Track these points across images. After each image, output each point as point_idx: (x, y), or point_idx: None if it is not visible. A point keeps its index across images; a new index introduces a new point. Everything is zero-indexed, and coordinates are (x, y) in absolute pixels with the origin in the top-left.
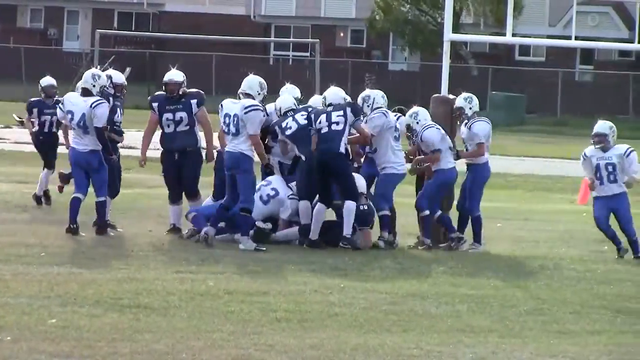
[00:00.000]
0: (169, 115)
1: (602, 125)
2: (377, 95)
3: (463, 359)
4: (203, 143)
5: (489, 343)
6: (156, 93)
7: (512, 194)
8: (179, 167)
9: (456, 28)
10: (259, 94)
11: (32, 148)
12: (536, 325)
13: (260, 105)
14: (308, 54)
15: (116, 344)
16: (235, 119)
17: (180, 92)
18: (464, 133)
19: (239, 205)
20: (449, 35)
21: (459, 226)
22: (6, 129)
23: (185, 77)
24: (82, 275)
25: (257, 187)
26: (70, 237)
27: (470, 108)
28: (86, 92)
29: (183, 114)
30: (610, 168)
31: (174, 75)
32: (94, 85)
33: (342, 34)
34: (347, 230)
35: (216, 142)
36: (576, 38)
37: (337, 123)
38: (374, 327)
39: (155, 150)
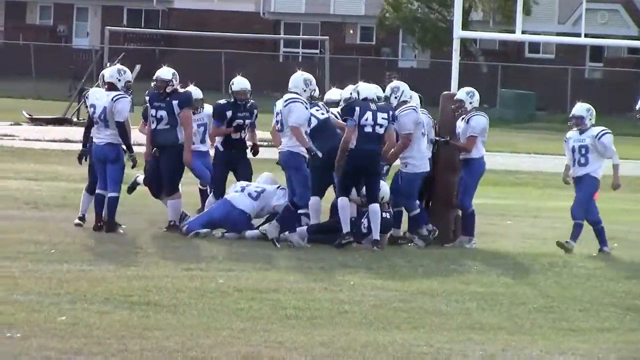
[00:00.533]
0: (153, 112)
1: (579, 108)
2: (406, 88)
3: (472, 356)
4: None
5: (499, 340)
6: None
7: (522, 191)
8: (159, 163)
9: (466, 25)
10: (304, 90)
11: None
12: (546, 322)
13: (301, 98)
14: (317, 51)
15: (126, 341)
16: (280, 115)
17: (168, 90)
18: (461, 127)
19: (294, 201)
20: (458, 32)
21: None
22: (16, 126)
23: (175, 75)
24: (91, 272)
25: (242, 184)
26: (79, 234)
27: (471, 103)
28: (111, 87)
29: (164, 113)
30: (583, 150)
31: (163, 72)
32: (119, 80)
33: (351, 31)
34: (376, 235)
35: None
36: (585, 35)
37: (381, 126)
38: (384, 325)
39: None
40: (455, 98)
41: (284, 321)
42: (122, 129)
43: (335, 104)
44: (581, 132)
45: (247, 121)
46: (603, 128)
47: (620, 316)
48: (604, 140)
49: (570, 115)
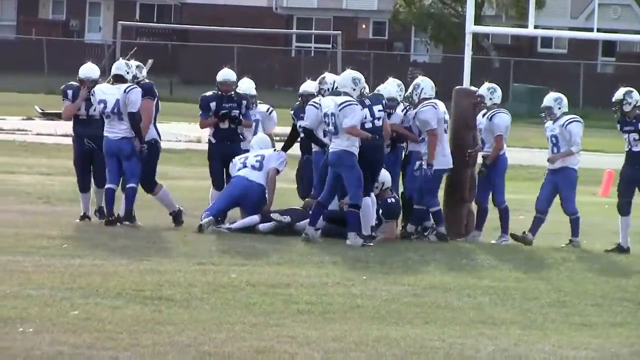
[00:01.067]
0: None
1: (548, 98)
2: (427, 85)
3: (485, 351)
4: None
5: (511, 335)
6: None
7: (535, 186)
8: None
9: (478, 20)
10: (354, 89)
11: (54, 140)
12: (558, 317)
13: (354, 100)
14: (330, 45)
15: (138, 335)
16: (332, 117)
17: (135, 82)
18: (483, 123)
19: (350, 201)
20: (471, 27)
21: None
22: (28, 121)
23: (138, 67)
24: (104, 267)
25: (241, 159)
26: (91, 229)
27: (491, 99)
28: (119, 79)
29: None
30: (554, 140)
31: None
32: (127, 72)
33: (364, 26)
34: (366, 231)
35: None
36: (598, 30)
37: (379, 118)
38: (396, 319)
39: (173, 142)
40: (476, 94)
41: (297, 316)
42: (134, 120)
43: (312, 96)
44: (554, 122)
45: (235, 112)
46: (573, 116)
47: (633, 311)
48: (571, 127)
49: (541, 106)
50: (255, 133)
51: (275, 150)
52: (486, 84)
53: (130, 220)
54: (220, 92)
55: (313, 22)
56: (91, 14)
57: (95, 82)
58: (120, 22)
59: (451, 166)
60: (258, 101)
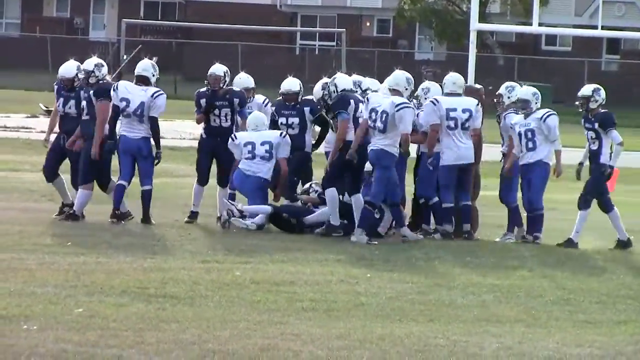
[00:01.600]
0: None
1: (525, 91)
2: (435, 92)
3: (489, 348)
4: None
5: (515, 333)
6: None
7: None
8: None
9: (483, 18)
10: (406, 89)
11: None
12: (562, 315)
13: (411, 104)
14: (334, 43)
15: (142, 333)
16: (384, 115)
17: (91, 81)
18: (502, 123)
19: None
20: (475, 24)
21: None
22: (32, 119)
23: (97, 66)
24: (108, 264)
25: (248, 146)
26: (95, 227)
27: (509, 97)
28: (144, 80)
29: (84, 103)
30: (529, 134)
31: (86, 62)
32: (153, 75)
33: (368, 24)
34: (335, 220)
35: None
36: (602, 28)
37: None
38: (400, 317)
39: (177, 139)
40: (497, 92)
41: (301, 313)
42: (156, 124)
43: (295, 94)
44: (526, 116)
45: (226, 109)
46: (548, 110)
47: (637, 309)
48: (549, 121)
49: (516, 99)
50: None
51: (281, 135)
52: (507, 83)
53: (149, 222)
54: (210, 89)
55: (317, 20)
56: (95, 11)
57: (71, 81)
58: (124, 19)
59: (463, 162)
60: (256, 94)
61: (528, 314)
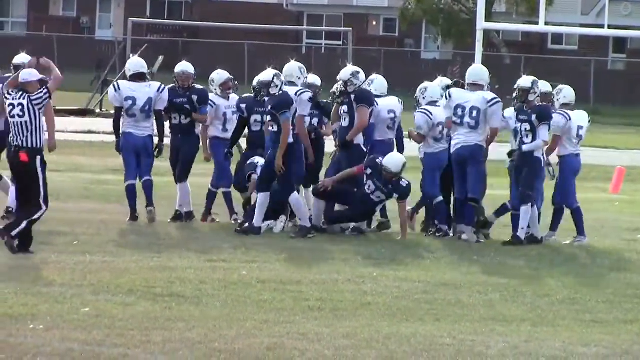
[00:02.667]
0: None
1: (525, 80)
2: (433, 89)
3: (496, 348)
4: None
5: (522, 332)
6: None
7: (545, 183)
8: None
9: (489, 17)
10: (488, 82)
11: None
12: (569, 314)
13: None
14: (340, 42)
15: (149, 332)
16: (474, 111)
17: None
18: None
19: (468, 195)
20: (481, 23)
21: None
22: None
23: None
24: (114, 263)
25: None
26: (102, 226)
27: (557, 99)
28: (141, 77)
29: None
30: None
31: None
32: (147, 70)
33: (374, 23)
34: (316, 220)
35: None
36: (609, 27)
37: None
38: (407, 316)
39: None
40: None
41: (307, 313)
42: (162, 117)
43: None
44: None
45: (185, 106)
46: (494, 95)
47: None
48: (496, 108)
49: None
50: (229, 121)
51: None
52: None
53: (152, 205)
54: (177, 85)
55: (324, 19)
56: (102, 10)
57: (17, 68)
58: (130, 18)
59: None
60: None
61: (535, 313)
